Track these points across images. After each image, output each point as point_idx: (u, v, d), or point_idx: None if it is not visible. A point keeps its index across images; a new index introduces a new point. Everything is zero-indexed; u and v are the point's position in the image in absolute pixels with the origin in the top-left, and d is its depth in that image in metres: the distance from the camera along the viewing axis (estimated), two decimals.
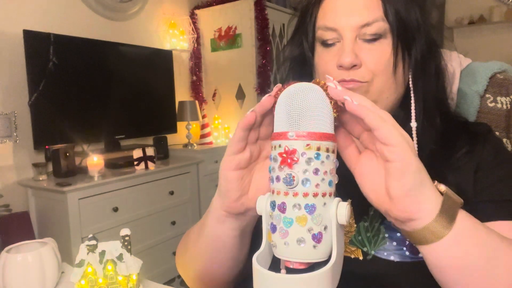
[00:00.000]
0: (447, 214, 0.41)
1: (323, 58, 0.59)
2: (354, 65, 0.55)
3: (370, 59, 0.55)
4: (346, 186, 0.58)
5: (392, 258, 0.55)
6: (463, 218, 0.42)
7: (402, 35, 0.56)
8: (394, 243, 0.55)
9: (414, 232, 0.42)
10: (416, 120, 0.58)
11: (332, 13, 0.57)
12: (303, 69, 0.65)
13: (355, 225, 0.58)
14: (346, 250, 0.57)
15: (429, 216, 0.41)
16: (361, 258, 0.56)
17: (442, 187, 0.43)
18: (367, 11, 0.55)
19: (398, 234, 0.56)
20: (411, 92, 0.59)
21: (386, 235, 0.56)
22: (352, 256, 0.57)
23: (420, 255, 0.53)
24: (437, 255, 0.42)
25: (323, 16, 0.59)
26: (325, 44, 0.59)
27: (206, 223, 0.55)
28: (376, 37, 0.55)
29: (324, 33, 0.58)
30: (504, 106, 0.73)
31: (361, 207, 0.58)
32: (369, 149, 0.44)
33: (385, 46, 0.56)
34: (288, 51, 0.68)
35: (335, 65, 0.57)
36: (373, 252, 0.56)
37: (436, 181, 0.43)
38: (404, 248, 0.55)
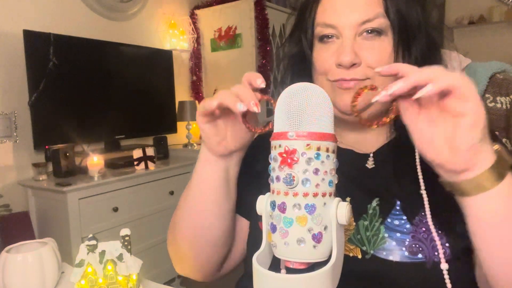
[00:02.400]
0: (498, 170, 0.42)
1: (322, 55, 0.59)
2: (354, 64, 0.55)
3: (371, 57, 0.55)
4: (346, 184, 0.58)
5: (391, 258, 0.54)
6: (510, 176, 0.44)
7: (403, 32, 0.55)
8: (394, 243, 0.55)
9: (463, 182, 0.43)
10: None
11: (332, 10, 0.57)
12: (301, 66, 0.64)
13: (354, 224, 0.58)
14: (345, 248, 0.57)
15: (482, 168, 0.42)
16: (359, 256, 0.56)
17: (496, 145, 0.44)
18: (368, 7, 0.54)
19: (398, 235, 0.55)
20: None
21: (386, 235, 0.56)
22: (351, 255, 0.57)
23: (419, 255, 0.53)
24: (478, 207, 0.44)
25: (322, 12, 0.58)
26: (324, 40, 0.58)
27: (195, 170, 0.61)
28: (377, 33, 0.55)
29: (323, 29, 0.58)
30: (504, 106, 0.73)
31: (360, 206, 0.58)
32: (428, 107, 0.44)
33: (386, 44, 0.55)
34: (287, 49, 0.68)
35: (334, 63, 0.56)
36: (372, 252, 0.56)
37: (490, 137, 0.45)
38: (404, 249, 0.54)
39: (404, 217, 0.56)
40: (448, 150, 0.42)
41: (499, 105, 0.74)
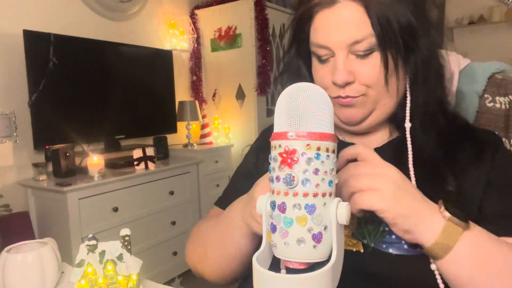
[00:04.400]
0: (446, 240, 0.48)
1: (319, 73, 0.61)
2: (348, 83, 0.57)
3: (363, 74, 0.57)
4: None
5: (390, 251, 0.56)
6: (466, 241, 0.48)
7: (394, 48, 0.56)
8: (393, 237, 0.56)
9: (426, 250, 0.50)
10: (412, 121, 0.59)
11: (324, 31, 0.57)
12: (302, 80, 0.66)
13: (356, 218, 0.59)
14: (348, 243, 0.58)
15: (429, 242, 0.48)
16: (362, 251, 0.57)
17: (447, 214, 0.48)
18: (356, 28, 0.55)
19: None
20: (407, 93, 0.60)
21: (387, 229, 0.57)
22: (354, 249, 0.58)
23: (418, 249, 0.54)
24: (443, 269, 0.50)
25: (314, 33, 0.59)
26: (320, 60, 0.60)
27: (230, 236, 0.60)
28: (368, 53, 0.56)
29: (317, 49, 0.59)
30: (503, 106, 0.74)
31: None
32: None
33: (377, 60, 0.56)
34: (286, 63, 0.70)
35: (331, 80, 0.58)
36: (372, 245, 0.57)
37: (442, 207, 0.49)
38: (403, 242, 0.55)
39: None
40: (397, 234, 0.49)
41: (498, 105, 0.74)
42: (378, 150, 0.62)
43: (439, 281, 0.52)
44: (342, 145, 0.64)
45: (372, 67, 0.56)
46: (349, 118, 0.61)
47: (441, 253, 0.48)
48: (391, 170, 0.48)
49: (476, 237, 0.49)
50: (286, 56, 0.69)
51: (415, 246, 0.54)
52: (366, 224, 0.58)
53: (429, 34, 0.58)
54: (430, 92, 0.60)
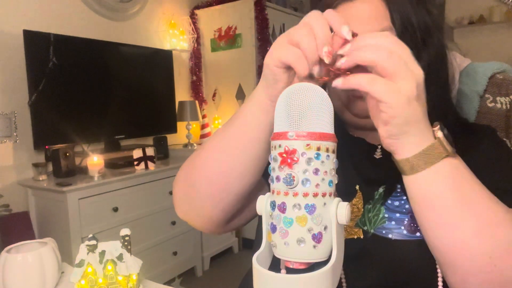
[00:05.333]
0: (428, 157, 0.44)
1: None
2: None
3: None
4: (356, 172, 0.62)
5: (390, 236, 0.57)
6: (447, 164, 0.45)
7: (410, 42, 0.57)
8: (393, 223, 0.57)
9: (396, 161, 0.47)
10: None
11: None
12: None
13: (362, 210, 0.60)
14: (350, 233, 0.59)
15: (408, 154, 0.45)
16: (362, 237, 0.59)
17: (439, 134, 0.45)
18: (376, 21, 0.56)
19: (398, 215, 0.58)
20: None
21: (386, 216, 0.58)
22: (355, 237, 0.59)
23: (417, 234, 0.56)
24: (412, 187, 0.47)
25: None
26: None
27: (241, 112, 0.54)
28: None
29: None
30: (504, 106, 0.73)
31: (368, 192, 0.61)
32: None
33: None
34: None
35: None
36: (372, 231, 0.58)
37: (438, 126, 0.46)
38: (402, 227, 0.57)
39: (404, 198, 0.58)
40: (380, 132, 0.46)
41: (498, 105, 0.74)
42: None
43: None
44: (351, 139, 0.66)
45: None
46: (362, 110, 0.60)
47: (417, 167, 0.45)
48: (422, 73, 0.43)
49: (460, 163, 0.46)
50: None
51: (414, 231, 0.56)
52: (368, 212, 0.59)
53: (441, 33, 0.60)
54: (440, 89, 0.61)
